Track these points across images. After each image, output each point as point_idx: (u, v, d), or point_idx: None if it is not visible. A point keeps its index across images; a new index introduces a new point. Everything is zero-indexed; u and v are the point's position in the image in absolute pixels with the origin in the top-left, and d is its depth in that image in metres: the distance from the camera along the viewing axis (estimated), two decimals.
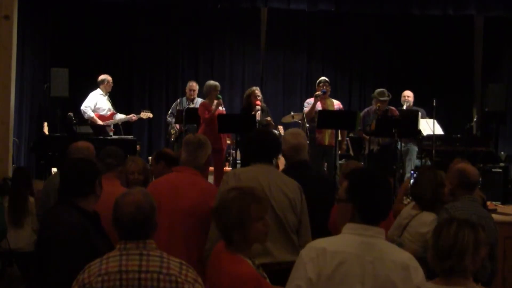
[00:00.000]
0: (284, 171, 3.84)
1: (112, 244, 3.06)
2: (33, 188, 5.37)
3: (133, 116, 8.82)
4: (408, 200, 5.11)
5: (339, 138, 7.66)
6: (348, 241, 2.26)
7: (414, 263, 2.26)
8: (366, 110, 8.08)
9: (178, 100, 8.88)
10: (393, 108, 8.00)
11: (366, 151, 7.83)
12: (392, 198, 2.48)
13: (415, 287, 2.21)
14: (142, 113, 8.93)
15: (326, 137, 7.50)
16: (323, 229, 3.49)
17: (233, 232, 2.51)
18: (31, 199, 5.12)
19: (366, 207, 2.29)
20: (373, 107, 7.86)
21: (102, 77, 8.79)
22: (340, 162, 7.83)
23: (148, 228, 2.41)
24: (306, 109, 7.66)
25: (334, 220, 3.75)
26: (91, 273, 2.33)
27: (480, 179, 6.71)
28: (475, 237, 2.53)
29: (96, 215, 3.00)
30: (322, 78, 7.96)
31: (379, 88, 8.00)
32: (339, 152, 7.93)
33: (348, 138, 8.48)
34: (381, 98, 7.72)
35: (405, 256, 2.28)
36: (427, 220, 3.83)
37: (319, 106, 7.62)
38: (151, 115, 9.14)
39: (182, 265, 2.37)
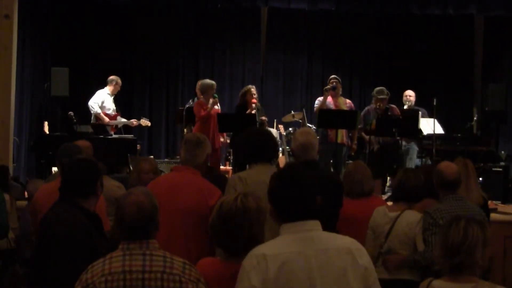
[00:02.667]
0: None
1: (110, 244, 3.07)
2: (10, 185, 5.32)
3: (133, 121, 8.86)
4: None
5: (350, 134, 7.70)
6: (286, 241, 2.24)
7: (357, 246, 2.27)
8: (366, 109, 8.07)
9: (190, 101, 8.86)
10: (394, 106, 7.99)
11: (367, 150, 7.83)
12: (316, 191, 2.41)
13: (363, 269, 2.21)
14: (142, 120, 8.97)
15: (338, 135, 7.42)
16: (331, 229, 3.49)
17: (256, 242, 2.45)
18: (7, 196, 5.07)
19: (282, 206, 2.30)
20: (373, 106, 7.86)
21: (111, 77, 8.82)
22: (347, 162, 7.84)
23: (150, 228, 2.40)
24: (316, 106, 7.65)
25: (343, 221, 3.75)
26: (95, 273, 2.32)
27: (480, 178, 6.74)
28: (483, 234, 2.53)
29: (97, 216, 3.00)
30: (333, 75, 7.96)
31: (379, 87, 7.99)
32: (352, 153, 7.94)
33: (348, 137, 8.47)
34: (380, 96, 7.73)
35: (346, 241, 2.28)
36: (413, 220, 3.75)
37: (330, 104, 7.61)
38: (149, 124, 9.21)
39: (185, 264, 2.37)
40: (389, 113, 7.77)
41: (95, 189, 2.99)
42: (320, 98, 7.72)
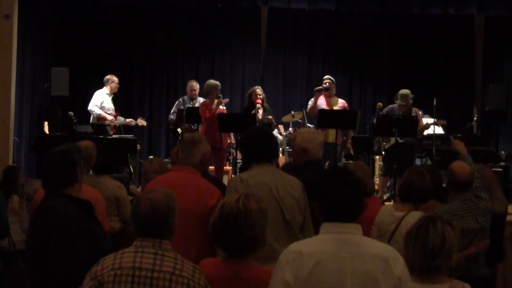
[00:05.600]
0: (295, 169, 3.81)
1: (105, 231, 3.13)
2: (19, 187, 5.32)
3: (131, 121, 8.87)
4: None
5: (344, 137, 7.69)
6: (324, 241, 2.26)
7: (394, 255, 2.26)
8: (390, 106, 7.99)
9: (180, 99, 8.87)
10: (416, 109, 7.90)
11: (382, 148, 7.84)
12: (360, 192, 2.44)
13: (397, 279, 2.20)
14: (138, 119, 8.99)
15: (330, 135, 7.42)
16: None
17: (258, 243, 2.50)
18: (15, 197, 5.08)
19: (330, 205, 2.30)
20: (397, 107, 7.82)
21: (107, 77, 8.83)
22: (344, 161, 7.82)
23: (162, 228, 2.41)
24: (308, 107, 7.66)
25: None
26: (105, 266, 2.35)
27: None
28: (456, 236, 2.57)
29: (86, 201, 3.01)
30: (327, 76, 7.95)
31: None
32: (351, 151, 7.93)
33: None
34: (402, 103, 7.66)
35: (383, 249, 2.28)
36: None
37: (323, 104, 7.60)
38: (145, 123, 9.24)
39: (196, 269, 2.38)
40: (413, 115, 7.69)
41: (76, 176, 3.00)
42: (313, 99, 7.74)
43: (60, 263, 2.76)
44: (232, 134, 8.14)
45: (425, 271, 2.52)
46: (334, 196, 2.30)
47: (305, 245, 2.28)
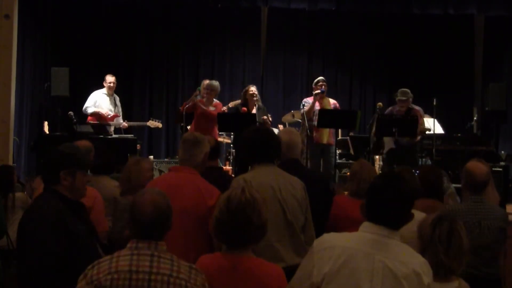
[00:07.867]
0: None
1: (96, 231, 3.11)
2: (14, 184, 5.33)
3: (123, 124, 8.77)
4: None
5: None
6: (360, 238, 2.29)
7: (426, 268, 2.27)
8: (389, 109, 7.95)
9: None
10: (417, 108, 7.78)
11: (384, 150, 7.82)
12: (411, 202, 2.44)
13: (426, 287, 2.23)
14: (150, 121, 8.89)
15: (324, 136, 7.51)
16: (320, 228, 3.46)
17: (265, 230, 2.53)
18: (16, 195, 5.09)
19: (373, 208, 2.32)
20: (396, 107, 7.78)
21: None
22: (339, 161, 7.81)
23: (164, 228, 2.41)
24: (305, 108, 7.67)
25: (332, 223, 3.75)
26: (101, 270, 2.31)
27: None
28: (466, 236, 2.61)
29: (76, 202, 2.98)
30: (320, 77, 7.95)
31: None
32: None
33: (349, 138, 8.47)
34: (402, 98, 7.60)
35: (416, 261, 2.28)
36: (418, 219, 3.73)
37: (317, 105, 7.64)
38: (160, 125, 9.06)
39: (192, 269, 2.37)
40: (411, 115, 7.63)
41: (58, 176, 2.90)
42: (306, 100, 7.74)
43: (29, 255, 2.75)
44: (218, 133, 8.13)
45: (445, 269, 2.53)
46: (386, 198, 2.30)
47: (341, 238, 2.32)
